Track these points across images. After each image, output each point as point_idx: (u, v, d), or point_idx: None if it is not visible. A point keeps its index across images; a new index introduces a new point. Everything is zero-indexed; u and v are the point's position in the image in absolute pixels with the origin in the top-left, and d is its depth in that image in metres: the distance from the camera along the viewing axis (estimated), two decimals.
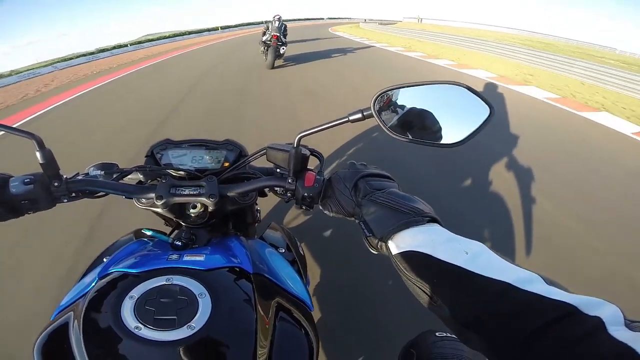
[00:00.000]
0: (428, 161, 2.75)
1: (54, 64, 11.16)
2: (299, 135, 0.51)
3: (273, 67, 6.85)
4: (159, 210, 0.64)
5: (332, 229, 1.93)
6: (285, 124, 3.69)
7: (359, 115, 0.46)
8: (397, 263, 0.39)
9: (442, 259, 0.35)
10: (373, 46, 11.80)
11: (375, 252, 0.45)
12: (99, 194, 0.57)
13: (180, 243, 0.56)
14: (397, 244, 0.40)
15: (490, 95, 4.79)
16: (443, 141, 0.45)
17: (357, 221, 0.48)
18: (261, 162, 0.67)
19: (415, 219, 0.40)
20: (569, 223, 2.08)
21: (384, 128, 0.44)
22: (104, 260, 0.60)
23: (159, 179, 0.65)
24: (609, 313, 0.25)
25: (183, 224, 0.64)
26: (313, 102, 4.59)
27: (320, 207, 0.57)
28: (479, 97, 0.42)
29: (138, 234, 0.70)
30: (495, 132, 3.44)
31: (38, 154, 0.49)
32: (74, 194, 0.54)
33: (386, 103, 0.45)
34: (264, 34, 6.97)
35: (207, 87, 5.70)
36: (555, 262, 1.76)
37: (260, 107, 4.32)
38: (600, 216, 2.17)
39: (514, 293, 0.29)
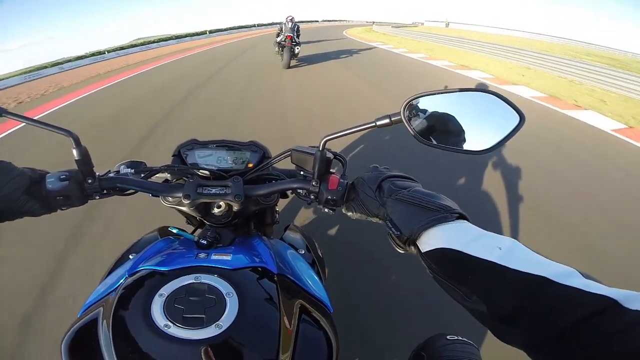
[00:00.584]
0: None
1: None
2: (324, 139, 0.52)
3: (289, 67, 7.04)
4: (184, 208, 0.66)
5: (339, 229, 1.93)
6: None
7: (386, 121, 0.46)
8: (426, 260, 0.40)
9: (475, 255, 0.34)
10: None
11: (402, 251, 0.45)
12: (128, 192, 0.59)
13: (205, 242, 0.57)
14: (427, 242, 0.40)
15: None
16: (472, 148, 0.45)
17: (382, 221, 0.49)
18: (283, 164, 0.68)
19: (444, 215, 0.40)
20: None
21: (412, 134, 0.45)
22: (130, 257, 0.62)
23: (185, 178, 0.67)
24: None
25: (207, 222, 0.65)
26: None
27: (343, 210, 0.58)
28: (510, 105, 0.42)
29: (162, 231, 0.72)
30: None
31: (74, 151, 0.51)
32: (105, 191, 0.56)
33: (414, 109, 0.46)
34: (278, 35, 7.19)
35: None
36: None
37: None
38: None
39: (552, 287, 0.29)
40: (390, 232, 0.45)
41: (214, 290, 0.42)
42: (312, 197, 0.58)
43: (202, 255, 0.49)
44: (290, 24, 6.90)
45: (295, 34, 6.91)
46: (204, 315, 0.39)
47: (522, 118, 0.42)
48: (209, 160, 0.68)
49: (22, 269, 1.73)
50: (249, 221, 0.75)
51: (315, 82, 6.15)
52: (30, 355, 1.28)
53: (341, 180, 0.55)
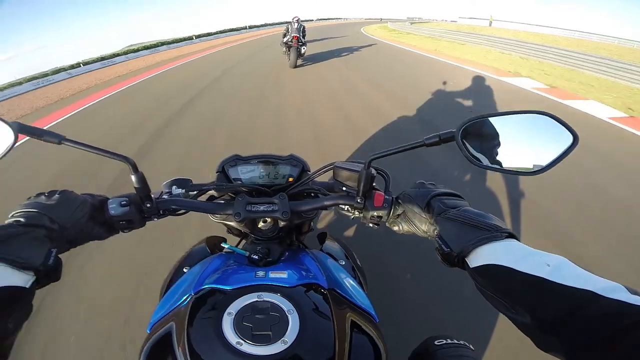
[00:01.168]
0: None
1: None
2: (371, 158, 0.53)
3: (295, 67, 7.29)
4: (232, 223, 0.69)
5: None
6: None
7: (436, 139, 0.47)
8: (474, 275, 0.42)
9: (524, 270, 0.36)
10: None
11: (450, 267, 0.47)
12: (181, 212, 0.61)
13: (257, 257, 0.60)
14: (476, 258, 0.41)
15: None
16: (525, 169, 0.46)
17: (430, 237, 0.50)
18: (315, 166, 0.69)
19: (495, 234, 0.42)
20: None
21: (465, 155, 0.45)
22: (185, 270, 0.66)
23: (230, 194, 0.69)
24: None
25: (252, 235, 0.68)
26: None
27: (387, 224, 0.59)
28: (564, 125, 0.43)
29: (210, 242, 0.75)
30: None
31: (133, 177, 0.53)
32: (161, 212, 0.59)
33: (467, 131, 0.46)
34: (284, 35, 7.45)
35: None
36: None
37: None
38: None
39: (597, 300, 0.30)
40: (441, 248, 0.47)
41: (276, 308, 0.44)
42: (356, 212, 0.60)
43: (260, 273, 0.52)
44: (296, 24, 7.18)
45: (301, 34, 7.20)
46: (270, 332, 0.41)
47: (575, 138, 0.43)
48: (251, 175, 0.70)
49: None
50: (291, 232, 0.77)
51: None
52: None
53: (386, 197, 0.56)
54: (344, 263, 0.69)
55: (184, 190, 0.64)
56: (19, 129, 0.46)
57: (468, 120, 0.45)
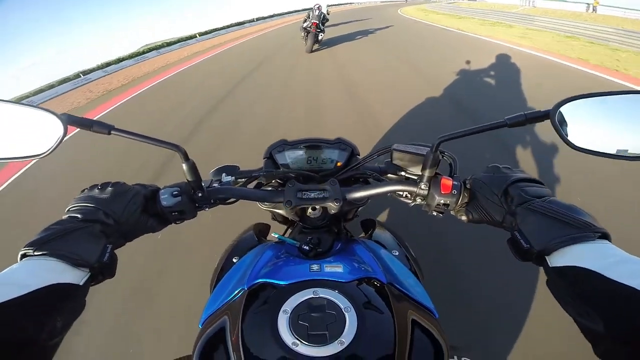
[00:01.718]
0: None
1: None
2: (440, 140, 0.49)
3: (312, 51, 7.59)
4: (281, 211, 0.66)
5: None
6: None
7: (521, 119, 0.44)
8: (553, 275, 0.38)
9: (614, 278, 0.32)
10: None
11: (523, 261, 0.43)
12: (232, 201, 0.59)
13: (307, 247, 0.57)
14: (560, 258, 0.38)
15: None
16: (623, 152, 0.42)
17: (508, 229, 0.46)
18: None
19: (586, 234, 0.37)
20: None
21: (561, 137, 0.42)
22: (234, 260, 0.63)
23: (278, 180, 0.67)
24: None
25: (300, 224, 0.66)
26: None
27: (453, 213, 0.56)
28: None
29: (257, 229, 0.73)
30: None
31: (184, 166, 0.52)
32: (212, 202, 0.56)
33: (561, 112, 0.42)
34: (305, 21, 7.75)
35: None
36: None
37: None
38: None
39: None
40: (518, 242, 0.42)
41: (333, 305, 0.42)
42: (418, 200, 0.56)
43: (315, 267, 0.50)
44: (317, 11, 7.51)
45: (320, 21, 7.48)
46: (326, 332, 0.39)
47: None
48: (299, 160, 0.68)
49: None
50: (339, 221, 0.75)
51: None
52: None
53: (454, 182, 0.52)
54: (397, 253, 0.65)
55: (233, 178, 0.62)
56: (69, 120, 0.45)
57: (564, 100, 0.42)
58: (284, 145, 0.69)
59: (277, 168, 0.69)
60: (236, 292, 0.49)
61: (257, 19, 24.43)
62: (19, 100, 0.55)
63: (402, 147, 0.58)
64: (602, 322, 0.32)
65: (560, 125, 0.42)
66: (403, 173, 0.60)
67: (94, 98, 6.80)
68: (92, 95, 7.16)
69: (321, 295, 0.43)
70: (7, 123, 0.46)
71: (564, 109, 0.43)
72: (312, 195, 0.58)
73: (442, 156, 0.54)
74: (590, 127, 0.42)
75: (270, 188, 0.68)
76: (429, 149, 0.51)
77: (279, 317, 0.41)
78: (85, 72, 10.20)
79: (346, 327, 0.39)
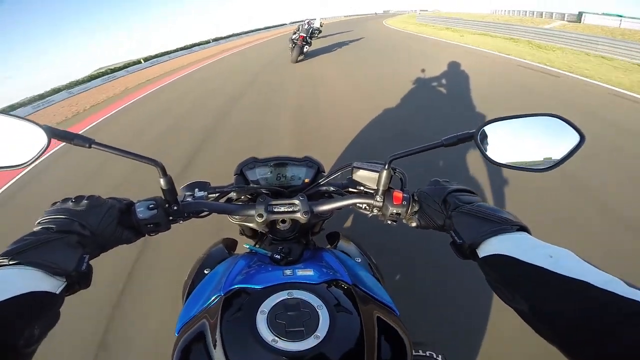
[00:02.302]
0: None
1: None
2: (391, 158, 0.56)
3: (297, 62, 8.37)
4: (251, 225, 0.70)
5: None
6: None
7: (454, 140, 0.51)
8: (483, 266, 0.44)
9: (528, 261, 0.37)
10: None
11: (463, 259, 0.50)
12: (205, 214, 0.63)
13: (279, 256, 0.61)
14: (485, 249, 0.44)
15: None
16: (535, 166, 0.49)
17: (445, 232, 0.53)
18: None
19: (505, 227, 0.44)
20: None
21: (482, 155, 0.49)
22: (205, 272, 0.67)
23: (249, 195, 0.71)
24: None
25: (270, 236, 0.70)
26: None
27: (404, 221, 0.62)
28: (572, 126, 0.47)
29: (227, 243, 0.77)
30: None
31: (162, 181, 0.54)
32: (186, 215, 0.60)
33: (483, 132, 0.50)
34: (294, 33, 8.60)
35: None
36: None
37: None
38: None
39: (593, 291, 0.31)
40: (454, 240, 0.49)
41: (306, 304, 0.45)
42: (375, 210, 0.62)
43: (287, 272, 0.53)
44: (307, 26, 8.40)
45: (308, 35, 8.36)
46: (303, 328, 0.42)
47: (582, 138, 0.47)
48: (268, 177, 0.72)
49: None
50: (307, 233, 0.79)
51: None
52: None
53: (404, 195, 0.59)
54: (360, 260, 0.71)
55: (205, 193, 0.66)
56: (52, 133, 0.46)
57: (485, 122, 0.49)
58: (255, 162, 0.73)
59: (247, 184, 0.73)
60: (212, 298, 0.51)
61: (215, 40, 22.23)
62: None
63: (360, 165, 0.64)
64: (525, 303, 0.36)
65: (482, 144, 0.49)
66: (362, 188, 0.66)
67: None
68: None
69: (295, 296, 0.47)
70: None
71: (487, 129, 0.50)
72: (283, 208, 0.63)
73: (394, 172, 0.60)
74: (507, 144, 0.50)
75: (240, 203, 0.72)
76: (382, 166, 0.58)
77: (257, 318, 0.43)
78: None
79: (320, 323, 0.43)
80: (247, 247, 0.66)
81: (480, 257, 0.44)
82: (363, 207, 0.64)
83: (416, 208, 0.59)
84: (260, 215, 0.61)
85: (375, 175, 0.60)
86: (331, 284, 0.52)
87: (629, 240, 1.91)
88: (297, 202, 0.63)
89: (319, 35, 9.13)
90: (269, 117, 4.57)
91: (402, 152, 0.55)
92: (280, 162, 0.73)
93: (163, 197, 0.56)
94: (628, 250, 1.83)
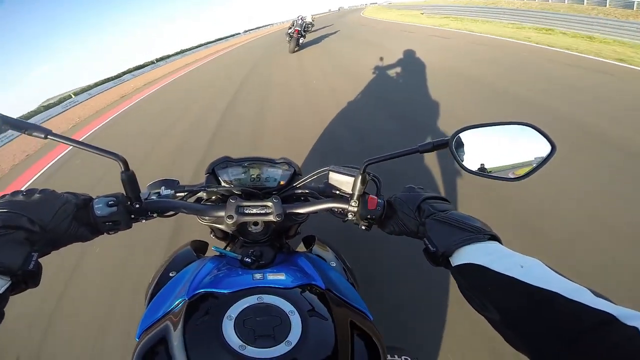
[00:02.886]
0: None
1: None
2: (366, 163, 0.55)
3: (294, 52, 9.59)
4: (221, 226, 0.67)
5: None
6: None
7: (429, 147, 0.50)
8: (455, 274, 0.44)
9: (498, 270, 0.38)
10: None
11: (435, 266, 0.50)
12: (171, 213, 0.60)
13: (249, 260, 0.59)
14: (458, 258, 0.44)
15: None
16: (507, 175, 0.49)
17: (418, 238, 0.53)
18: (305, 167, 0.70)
19: (477, 236, 0.44)
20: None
21: (457, 162, 0.48)
22: (171, 275, 0.63)
23: (219, 196, 0.68)
24: None
25: (242, 239, 0.67)
26: None
27: (378, 227, 0.61)
28: (544, 135, 0.47)
29: (195, 245, 0.73)
30: None
31: (123, 175, 0.51)
32: (149, 213, 0.57)
33: (458, 140, 0.49)
34: (290, 28, 9.96)
35: None
36: None
37: None
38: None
39: (561, 301, 0.32)
40: (427, 247, 0.49)
41: (277, 310, 0.44)
42: (349, 215, 0.61)
43: (258, 276, 0.51)
44: (300, 21, 9.83)
45: (302, 29, 9.73)
46: (273, 334, 0.40)
47: (553, 148, 0.47)
48: (242, 177, 0.70)
49: None
50: (281, 236, 0.77)
51: None
52: None
53: (379, 200, 0.58)
54: (334, 264, 0.69)
55: (172, 192, 0.63)
56: (3, 121, 0.44)
57: (459, 130, 0.48)
58: (228, 162, 0.70)
59: (218, 184, 0.70)
60: (176, 302, 0.49)
61: (159, 60, 17.41)
62: None
63: (337, 169, 0.63)
64: (496, 311, 0.37)
65: (457, 151, 0.48)
66: (337, 192, 0.64)
67: None
68: None
69: (265, 301, 0.45)
70: None
71: (462, 136, 0.50)
72: (255, 210, 0.60)
73: (369, 177, 0.59)
74: (481, 152, 0.49)
75: (210, 203, 0.69)
76: (358, 170, 0.57)
77: (223, 323, 0.41)
78: None
79: (291, 329, 0.41)
80: (216, 249, 0.63)
81: (453, 265, 0.44)
82: (338, 212, 0.63)
83: (390, 214, 0.58)
84: (230, 217, 0.58)
85: (351, 179, 0.59)
86: (304, 289, 0.50)
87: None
88: (270, 204, 0.60)
89: (312, 29, 10.82)
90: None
91: (377, 158, 0.55)
92: (255, 163, 0.71)
93: (125, 193, 0.53)
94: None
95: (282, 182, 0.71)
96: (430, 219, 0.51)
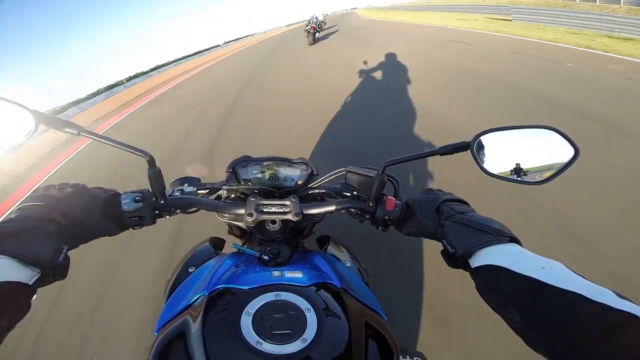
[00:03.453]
0: None
1: None
2: (385, 164, 0.55)
3: (312, 44, 11.92)
4: (240, 224, 0.69)
5: None
6: None
7: (450, 149, 0.50)
8: (475, 276, 0.44)
9: (519, 272, 0.38)
10: None
11: (453, 267, 0.50)
12: (194, 210, 0.61)
13: (267, 257, 0.60)
14: (478, 259, 0.44)
15: None
16: (529, 179, 0.49)
17: (437, 240, 0.53)
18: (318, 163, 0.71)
19: (497, 238, 0.44)
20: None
21: (478, 165, 0.48)
22: (190, 270, 0.65)
23: (239, 194, 0.70)
24: None
25: (259, 237, 0.69)
26: None
27: (396, 228, 0.62)
28: (567, 139, 0.46)
29: (214, 242, 0.75)
30: None
31: (150, 172, 0.52)
32: (173, 210, 0.58)
33: (479, 142, 0.49)
34: (307, 25, 12.49)
35: None
36: None
37: None
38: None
39: (584, 302, 0.31)
40: (446, 249, 0.49)
41: (294, 307, 0.44)
42: (366, 216, 0.61)
43: (276, 273, 0.52)
44: (315, 19, 12.53)
45: (317, 25, 12.46)
46: (289, 331, 0.41)
47: (577, 152, 0.46)
48: (261, 176, 0.71)
49: None
50: (297, 235, 0.78)
51: None
52: None
53: (397, 202, 0.59)
54: (349, 265, 0.70)
55: (194, 189, 0.64)
56: (40, 118, 0.45)
57: (481, 133, 0.48)
58: (247, 161, 0.72)
59: (238, 183, 0.72)
60: (196, 297, 0.50)
61: (130, 79, 15.47)
62: None
63: (355, 170, 0.63)
64: (516, 312, 0.37)
65: (478, 154, 0.48)
66: (355, 193, 0.65)
67: None
68: None
69: (283, 298, 0.45)
70: None
71: (483, 139, 0.50)
72: (273, 209, 0.61)
73: (387, 179, 0.60)
74: (502, 155, 0.49)
75: (230, 201, 0.71)
76: (377, 172, 0.57)
77: (241, 319, 0.42)
78: None
79: (307, 326, 0.41)
80: (234, 246, 0.65)
81: (472, 267, 0.44)
82: (355, 213, 0.63)
83: (408, 215, 0.59)
84: (250, 215, 0.59)
85: (370, 180, 0.59)
86: (320, 287, 0.51)
87: None
88: (288, 203, 0.62)
89: (325, 27, 14.14)
90: None
91: (396, 159, 0.55)
92: (274, 162, 0.72)
93: (150, 190, 0.55)
94: None
95: (299, 182, 0.72)
96: (449, 220, 0.51)
